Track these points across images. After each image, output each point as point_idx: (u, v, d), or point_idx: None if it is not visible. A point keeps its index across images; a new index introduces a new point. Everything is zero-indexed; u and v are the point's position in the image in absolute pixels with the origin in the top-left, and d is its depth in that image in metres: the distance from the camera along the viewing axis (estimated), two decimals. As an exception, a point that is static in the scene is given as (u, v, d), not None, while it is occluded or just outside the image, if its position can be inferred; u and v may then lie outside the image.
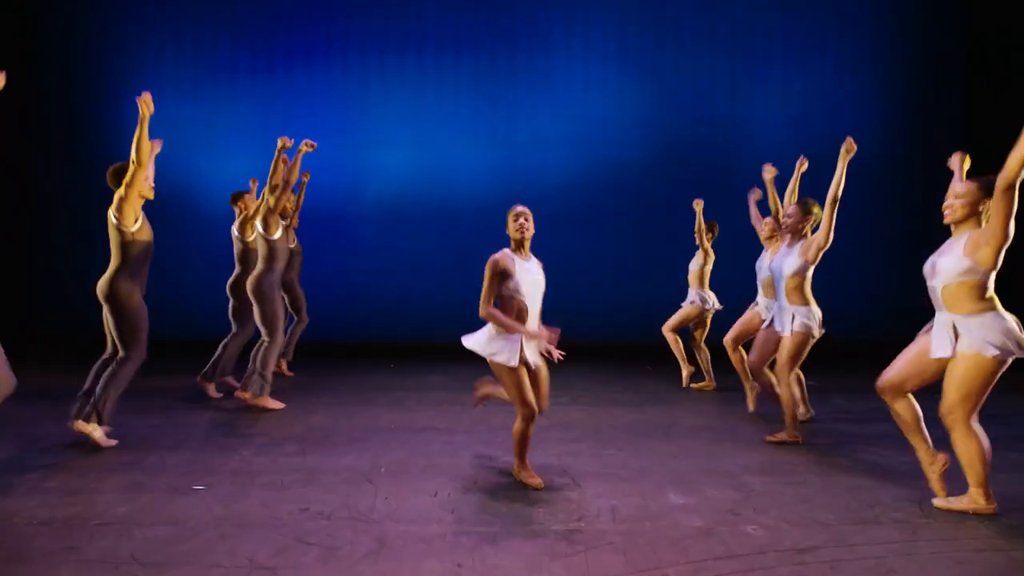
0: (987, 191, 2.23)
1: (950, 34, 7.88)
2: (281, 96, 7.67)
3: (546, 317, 2.71)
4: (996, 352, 2.16)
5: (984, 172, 2.38)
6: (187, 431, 3.54)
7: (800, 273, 3.31)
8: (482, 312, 2.53)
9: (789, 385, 3.34)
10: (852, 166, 3.10)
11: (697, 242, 4.88)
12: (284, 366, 5.12)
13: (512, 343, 2.50)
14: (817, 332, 3.29)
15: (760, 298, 3.97)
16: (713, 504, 2.45)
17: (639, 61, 7.96)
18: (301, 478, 2.75)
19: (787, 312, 3.32)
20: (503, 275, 2.52)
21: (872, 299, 7.38)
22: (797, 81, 7.99)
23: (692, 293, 4.95)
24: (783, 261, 3.39)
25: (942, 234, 2.46)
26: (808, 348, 3.32)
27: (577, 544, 2.07)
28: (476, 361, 2.71)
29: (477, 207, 6.89)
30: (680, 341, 4.97)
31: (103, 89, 7.65)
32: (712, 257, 4.93)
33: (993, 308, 2.24)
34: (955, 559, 1.96)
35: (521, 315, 2.53)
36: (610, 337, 6.94)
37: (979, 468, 2.24)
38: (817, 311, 3.32)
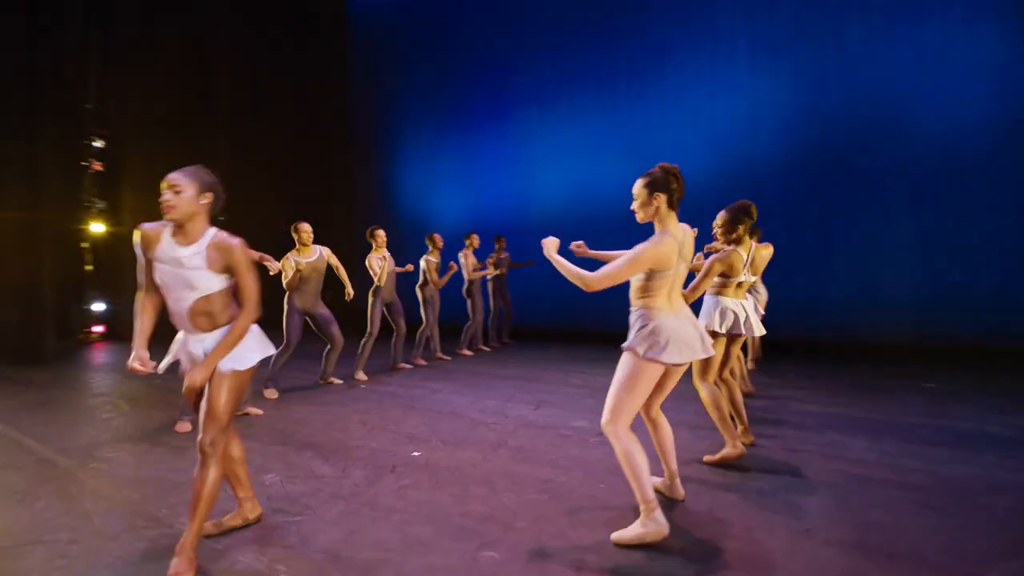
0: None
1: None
2: (486, 142, 9.74)
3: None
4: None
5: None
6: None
7: None
8: None
9: None
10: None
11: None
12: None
13: (174, 345, 2.11)
14: None
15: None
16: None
17: (771, 55, 7.46)
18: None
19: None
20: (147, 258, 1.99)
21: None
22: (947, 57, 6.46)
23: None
24: None
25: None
26: None
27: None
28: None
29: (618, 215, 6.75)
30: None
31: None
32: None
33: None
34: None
35: (169, 311, 2.03)
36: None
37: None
38: None
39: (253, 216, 8.98)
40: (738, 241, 3.07)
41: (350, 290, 5.02)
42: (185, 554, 1.93)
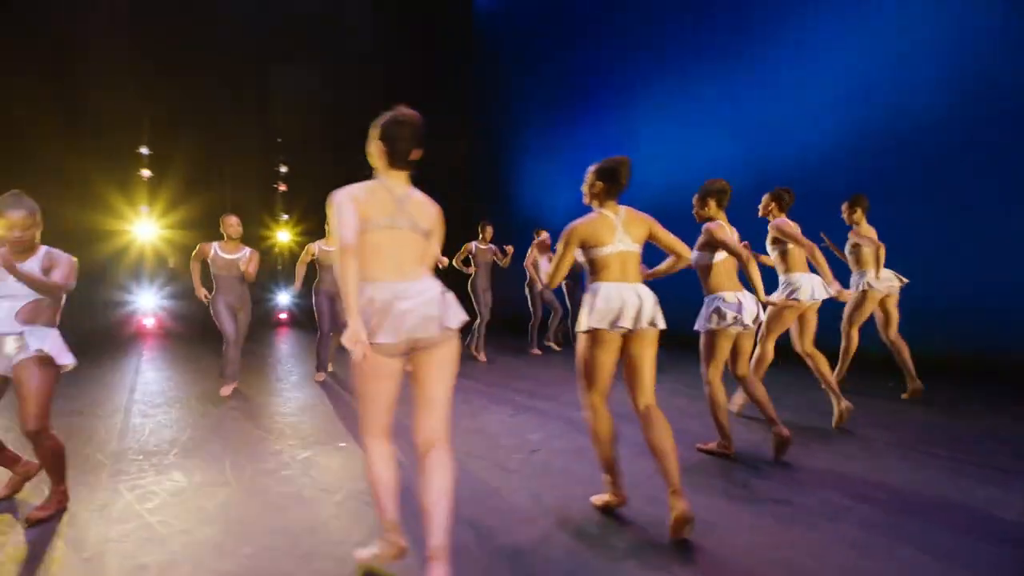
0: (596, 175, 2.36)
1: None
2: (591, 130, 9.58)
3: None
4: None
5: None
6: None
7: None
8: None
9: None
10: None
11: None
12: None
13: None
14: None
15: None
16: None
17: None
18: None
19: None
20: None
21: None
22: None
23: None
24: None
25: None
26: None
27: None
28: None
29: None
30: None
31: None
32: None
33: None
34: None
35: None
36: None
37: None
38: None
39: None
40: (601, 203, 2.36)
41: None
42: (55, 497, 2.52)
